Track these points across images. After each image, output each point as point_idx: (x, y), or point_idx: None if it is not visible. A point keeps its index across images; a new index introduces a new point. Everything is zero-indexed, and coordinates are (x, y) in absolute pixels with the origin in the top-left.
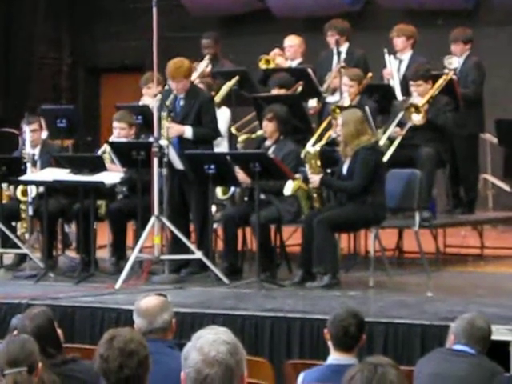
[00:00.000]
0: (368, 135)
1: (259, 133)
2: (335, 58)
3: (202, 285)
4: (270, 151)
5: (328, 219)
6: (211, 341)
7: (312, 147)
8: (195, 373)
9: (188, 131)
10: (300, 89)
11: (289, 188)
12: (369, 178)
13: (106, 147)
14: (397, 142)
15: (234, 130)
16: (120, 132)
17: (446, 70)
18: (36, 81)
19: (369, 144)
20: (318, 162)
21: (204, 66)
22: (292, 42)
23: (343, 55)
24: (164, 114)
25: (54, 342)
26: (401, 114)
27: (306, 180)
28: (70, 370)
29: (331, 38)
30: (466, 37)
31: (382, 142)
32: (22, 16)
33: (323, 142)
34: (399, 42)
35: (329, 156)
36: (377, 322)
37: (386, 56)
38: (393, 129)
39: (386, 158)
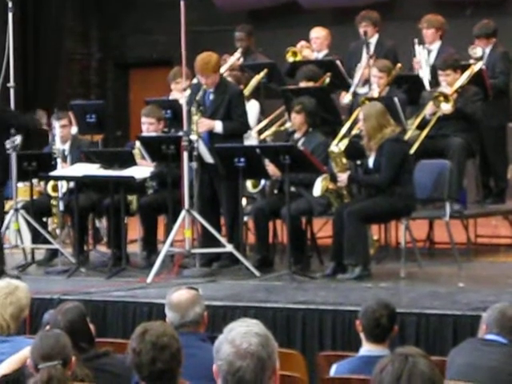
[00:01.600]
0: (391, 127)
1: (288, 125)
2: (365, 48)
3: (233, 278)
4: (299, 144)
5: (358, 211)
6: (243, 333)
7: (336, 146)
8: (227, 365)
9: (218, 126)
10: (328, 80)
11: (317, 189)
12: (396, 170)
13: (137, 143)
14: (425, 133)
15: (254, 133)
16: (149, 127)
17: (472, 60)
18: (65, 76)
19: (393, 136)
20: (344, 160)
21: (235, 58)
22: (318, 33)
23: (373, 46)
24: (193, 108)
25: (87, 337)
26: (430, 103)
27: (333, 178)
28: (103, 363)
29: (364, 29)
30: (488, 31)
31: (411, 132)
32: (51, 11)
33: (351, 136)
34: (429, 33)
35: (358, 148)
36: (408, 313)
37: (416, 46)
38: (421, 119)
39: (414, 149)
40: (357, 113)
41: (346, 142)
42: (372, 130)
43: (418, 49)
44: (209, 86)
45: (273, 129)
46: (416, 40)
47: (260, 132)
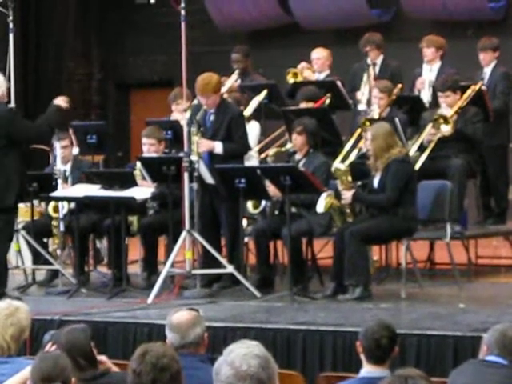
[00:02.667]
0: (398, 147)
1: (289, 146)
2: (368, 70)
3: (233, 299)
4: (300, 164)
5: (360, 231)
6: (242, 355)
7: (341, 164)
8: None
9: (218, 147)
10: (328, 101)
11: (321, 205)
12: (400, 191)
13: (137, 164)
14: (426, 154)
15: (255, 153)
16: (150, 148)
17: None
18: (66, 96)
19: (400, 156)
20: (349, 178)
21: (232, 80)
22: (319, 54)
23: (378, 67)
24: (194, 128)
25: (87, 355)
26: (430, 125)
27: (337, 196)
28: (104, 383)
29: (368, 52)
30: (494, 45)
31: (412, 153)
32: (52, 31)
33: (353, 157)
34: (429, 52)
35: (359, 169)
36: (409, 334)
37: (424, 65)
38: (421, 141)
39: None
40: (358, 133)
41: (351, 159)
42: (379, 150)
43: (426, 68)
44: (209, 106)
45: (274, 150)
46: (425, 59)
47: (260, 151)
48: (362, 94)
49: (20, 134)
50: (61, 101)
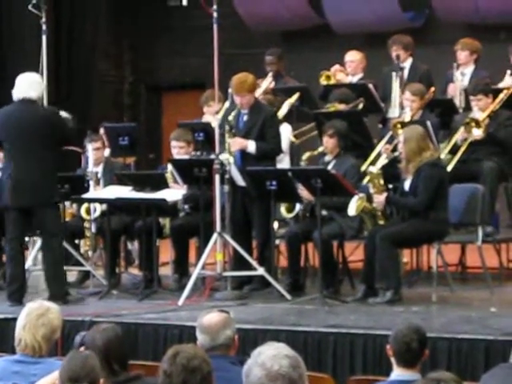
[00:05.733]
0: (430, 151)
1: (321, 149)
2: (397, 73)
3: (264, 301)
4: (330, 166)
5: (391, 235)
6: (272, 355)
7: (374, 167)
8: None
9: (251, 146)
10: (361, 105)
11: (353, 208)
12: (433, 194)
13: (169, 166)
14: (457, 157)
15: (292, 138)
16: (179, 150)
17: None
18: (98, 99)
19: (432, 160)
20: (382, 181)
21: (268, 82)
22: (353, 57)
23: (407, 71)
24: (226, 129)
25: (121, 358)
26: (461, 129)
27: (369, 199)
28: None
29: (396, 53)
30: None
31: (443, 156)
32: (84, 34)
33: (386, 160)
34: (463, 55)
35: (390, 172)
36: (440, 338)
37: (455, 71)
38: (452, 144)
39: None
40: (388, 136)
41: (382, 162)
42: (412, 153)
43: (457, 73)
44: (243, 106)
45: (307, 154)
46: (455, 64)
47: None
48: (394, 99)
49: (63, 134)
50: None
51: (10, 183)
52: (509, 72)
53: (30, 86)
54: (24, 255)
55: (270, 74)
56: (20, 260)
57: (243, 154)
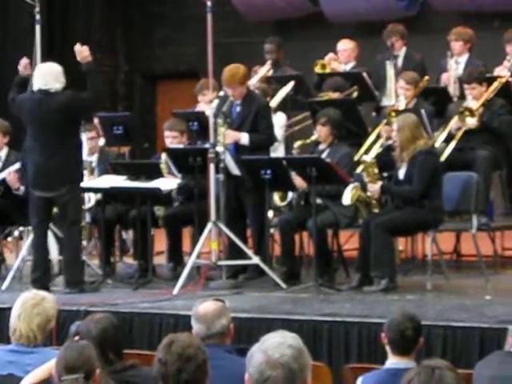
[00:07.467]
0: (424, 139)
1: (314, 137)
2: (392, 61)
3: (259, 290)
4: (324, 155)
5: (386, 223)
6: (277, 343)
7: (368, 156)
8: (257, 373)
9: (244, 138)
10: (356, 94)
11: (347, 197)
12: (427, 182)
13: (163, 156)
14: (452, 146)
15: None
16: (172, 140)
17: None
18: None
19: (426, 148)
20: (376, 170)
21: (265, 70)
22: (345, 45)
23: (401, 59)
24: (220, 120)
25: (116, 348)
26: (456, 118)
27: (363, 187)
28: (130, 376)
29: (393, 43)
30: None
31: (437, 144)
32: (78, 24)
33: (380, 149)
34: (457, 45)
35: (384, 160)
36: (435, 326)
37: (449, 59)
38: (447, 132)
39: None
40: (382, 124)
41: (376, 151)
42: (405, 141)
43: (451, 62)
44: (236, 97)
45: (299, 142)
46: (449, 53)
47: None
48: (389, 87)
49: (82, 111)
50: (82, 53)
51: (34, 170)
52: (507, 59)
53: (56, 78)
54: (47, 242)
55: (269, 62)
56: (43, 247)
57: (237, 145)
